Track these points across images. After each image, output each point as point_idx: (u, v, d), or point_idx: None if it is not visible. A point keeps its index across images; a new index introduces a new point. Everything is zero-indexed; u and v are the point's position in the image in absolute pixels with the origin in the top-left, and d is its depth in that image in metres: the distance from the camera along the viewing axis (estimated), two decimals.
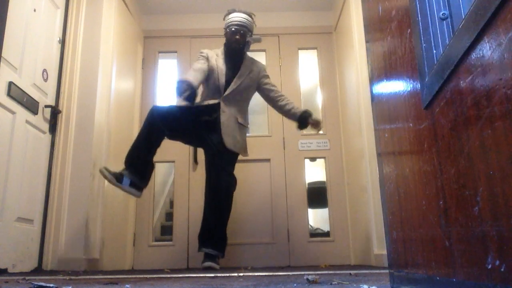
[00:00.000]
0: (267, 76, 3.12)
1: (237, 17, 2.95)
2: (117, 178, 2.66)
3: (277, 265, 3.50)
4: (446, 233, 0.80)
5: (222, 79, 2.94)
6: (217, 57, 3.02)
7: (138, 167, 2.72)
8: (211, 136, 2.88)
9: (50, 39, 2.84)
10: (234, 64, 3.01)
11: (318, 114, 4.06)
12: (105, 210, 2.99)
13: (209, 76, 2.96)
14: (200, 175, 3.74)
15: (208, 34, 4.08)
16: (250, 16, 3.00)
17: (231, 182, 2.89)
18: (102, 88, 3.06)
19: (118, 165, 3.31)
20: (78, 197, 2.78)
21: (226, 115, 2.90)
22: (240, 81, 2.97)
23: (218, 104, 2.91)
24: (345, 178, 3.73)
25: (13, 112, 2.41)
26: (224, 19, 3.05)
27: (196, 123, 2.88)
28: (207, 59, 3.00)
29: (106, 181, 3.00)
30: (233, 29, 2.93)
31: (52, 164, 2.80)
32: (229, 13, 3.02)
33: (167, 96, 4.52)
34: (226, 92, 2.92)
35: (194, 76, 2.77)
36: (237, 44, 2.95)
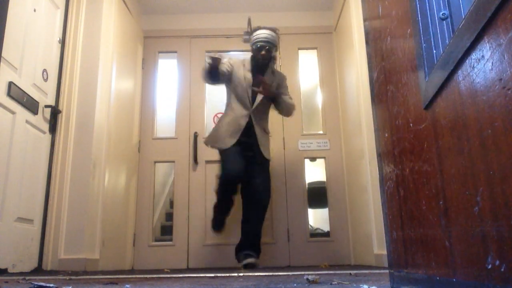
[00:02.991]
0: (287, 87, 3.28)
1: (263, 33, 3.08)
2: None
3: (277, 265, 3.50)
4: (446, 233, 0.80)
5: (250, 91, 3.08)
6: (244, 68, 3.15)
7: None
8: (253, 150, 3.06)
9: (50, 39, 2.84)
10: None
11: (318, 114, 4.07)
12: (105, 210, 2.98)
13: (235, 86, 3.11)
14: (200, 175, 3.74)
15: (208, 34, 4.08)
16: (275, 32, 3.12)
17: (269, 193, 3.12)
18: (102, 88, 3.06)
19: (118, 165, 3.32)
20: (78, 197, 2.78)
21: (258, 128, 3.07)
22: None
23: (250, 118, 3.05)
24: (345, 178, 3.72)
25: (13, 112, 2.41)
26: (250, 36, 3.17)
27: (241, 150, 3.03)
28: (233, 68, 3.14)
29: (106, 181, 3.01)
30: (259, 45, 3.07)
31: (52, 164, 2.80)
32: (254, 30, 3.14)
33: (166, 96, 4.51)
34: (255, 105, 3.07)
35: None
36: (263, 60, 3.10)
